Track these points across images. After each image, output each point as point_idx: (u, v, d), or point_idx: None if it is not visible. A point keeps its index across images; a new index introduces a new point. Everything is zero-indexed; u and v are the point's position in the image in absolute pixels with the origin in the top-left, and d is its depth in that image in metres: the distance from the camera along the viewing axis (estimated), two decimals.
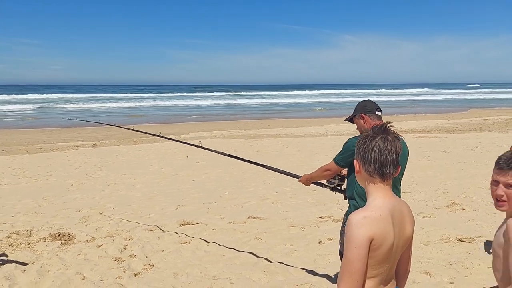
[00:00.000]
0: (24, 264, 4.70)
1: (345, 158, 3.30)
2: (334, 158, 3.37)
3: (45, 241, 5.49)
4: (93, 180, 9.39)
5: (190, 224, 6.23)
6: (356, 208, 3.26)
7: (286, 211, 6.71)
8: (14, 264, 4.68)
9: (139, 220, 6.41)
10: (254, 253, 5.10)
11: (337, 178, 3.55)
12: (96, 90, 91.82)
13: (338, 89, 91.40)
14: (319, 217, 6.35)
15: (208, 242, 5.43)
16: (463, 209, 6.62)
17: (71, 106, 40.08)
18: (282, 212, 6.67)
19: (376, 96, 60.35)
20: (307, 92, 78.48)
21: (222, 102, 48.49)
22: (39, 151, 14.13)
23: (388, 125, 1.86)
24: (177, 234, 5.76)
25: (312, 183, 3.74)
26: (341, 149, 3.35)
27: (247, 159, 4.61)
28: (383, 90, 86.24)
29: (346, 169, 3.42)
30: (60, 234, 5.71)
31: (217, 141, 15.97)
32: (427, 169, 10.11)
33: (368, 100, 3.52)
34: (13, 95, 56.20)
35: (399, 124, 21.83)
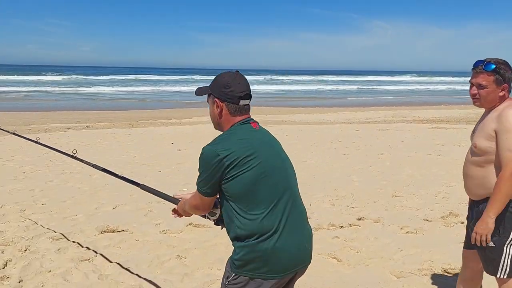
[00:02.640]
0: None
1: (209, 180, 1.98)
2: (197, 185, 2.05)
3: None
4: (52, 168, 8.21)
5: (112, 231, 4.91)
6: (240, 252, 1.98)
7: None
8: None
9: (57, 223, 5.13)
10: (165, 279, 3.75)
11: (218, 206, 2.13)
12: (122, 71, 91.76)
13: (363, 76, 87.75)
14: None
15: (111, 262, 4.09)
16: (462, 223, 5.04)
17: (87, 89, 39.27)
18: None
19: (404, 84, 57.59)
20: (333, 78, 75.63)
21: None
22: (27, 132, 13.17)
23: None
24: (82, 247, 4.44)
25: None
26: (199, 167, 2.00)
27: (120, 175, 3.19)
28: (412, 78, 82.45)
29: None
30: None
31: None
32: (432, 165, 8.47)
33: (236, 75, 2.09)
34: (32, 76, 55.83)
35: (417, 113, 20.06)
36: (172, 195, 2.53)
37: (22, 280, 3.68)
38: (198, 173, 2.00)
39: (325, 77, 75.65)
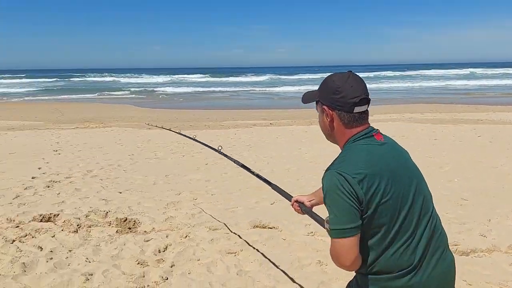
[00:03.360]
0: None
1: (346, 213, 1.54)
2: (331, 227, 1.58)
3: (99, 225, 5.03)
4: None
5: (263, 227, 4.93)
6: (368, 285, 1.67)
7: None
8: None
9: (218, 214, 5.42)
10: (299, 286, 3.56)
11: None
12: (311, 70, 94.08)
13: None
14: None
15: (253, 259, 4.07)
16: None
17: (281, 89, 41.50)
18: None
19: None
20: None
21: (438, 83, 43.16)
22: (220, 127, 14.59)
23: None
24: (232, 240, 4.55)
25: None
26: (326, 201, 1.60)
27: (256, 173, 3.00)
28: None
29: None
30: (126, 219, 5.19)
31: (395, 125, 13.77)
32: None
33: (349, 76, 1.68)
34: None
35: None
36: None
37: (174, 265, 3.96)
38: (329, 212, 1.59)
39: None
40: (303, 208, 2.17)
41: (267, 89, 40.93)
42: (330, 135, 1.77)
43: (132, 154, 9.67)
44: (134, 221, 5.16)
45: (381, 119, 15.27)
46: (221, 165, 8.38)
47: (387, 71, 75.51)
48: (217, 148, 3.63)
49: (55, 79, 62.82)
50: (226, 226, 4.95)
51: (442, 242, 1.70)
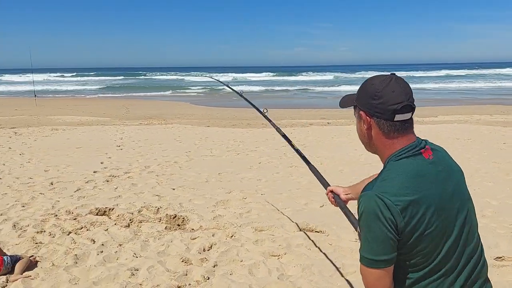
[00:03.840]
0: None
1: (381, 243, 1.39)
2: (362, 257, 1.44)
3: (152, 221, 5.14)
4: (284, 160, 8.72)
5: (310, 230, 4.80)
6: None
7: None
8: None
9: (266, 214, 5.36)
10: None
11: None
12: (376, 68, 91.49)
13: None
14: None
15: (296, 263, 3.96)
16: None
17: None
18: None
19: None
20: None
21: None
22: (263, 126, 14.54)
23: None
24: (277, 242, 4.46)
25: None
26: (362, 225, 1.44)
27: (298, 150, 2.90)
28: None
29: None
30: (176, 216, 5.28)
31: (461, 127, 13.03)
32: None
33: (391, 80, 1.50)
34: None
35: None
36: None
37: (216, 265, 3.96)
38: (362, 237, 1.44)
39: None
40: (337, 200, 2.05)
41: (328, 88, 40.35)
42: (369, 144, 1.59)
43: (189, 151, 9.87)
44: (183, 218, 5.23)
45: (446, 120, 14.51)
46: (273, 164, 8.33)
47: (457, 69, 71.66)
48: (262, 111, 3.47)
49: (122, 77, 65.97)
50: (271, 228, 4.88)
51: (482, 274, 1.53)
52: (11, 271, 3.69)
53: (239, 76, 65.12)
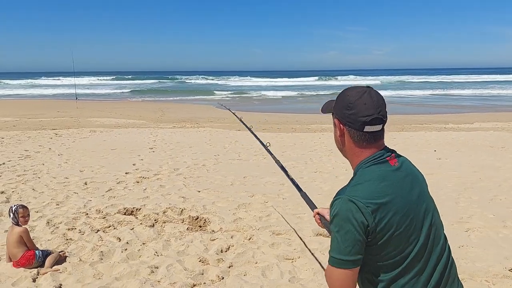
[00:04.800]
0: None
1: (350, 244, 1.47)
2: (330, 257, 1.52)
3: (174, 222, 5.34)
4: (308, 165, 8.79)
5: (327, 236, 4.88)
6: None
7: None
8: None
9: (285, 218, 5.48)
10: None
11: None
12: (412, 72, 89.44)
13: None
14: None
15: (309, 267, 4.05)
16: None
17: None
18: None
19: None
20: None
21: None
22: (292, 131, 14.61)
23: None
24: (293, 246, 4.57)
25: None
26: (333, 228, 1.51)
27: (290, 176, 2.99)
28: None
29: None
30: (198, 218, 5.47)
31: (496, 134, 12.64)
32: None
33: (365, 92, 1.58)
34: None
35: None
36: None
37: (231, 266, 4.11)
38: (332, 238, 1.51)
39: None
40: (323, 221, 2.14)
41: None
42: (342, 150, 1.69)
43: (218, 154, 10.09)
44: (205, 220, 5.42)
45: (482, 128, 14.13)
46: (298, 169, 8.41)
47: (499, 74, 69.05)
48: (265, 144, 3.57)
49: (158, 80, 67.45)
50: (289, 232, 4.98)
51: (453, 273, 1.61)
52: (42, 264, 3.98)
53: (274, 80, 65.28)
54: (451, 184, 7.18)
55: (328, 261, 1.53)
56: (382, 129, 1.59)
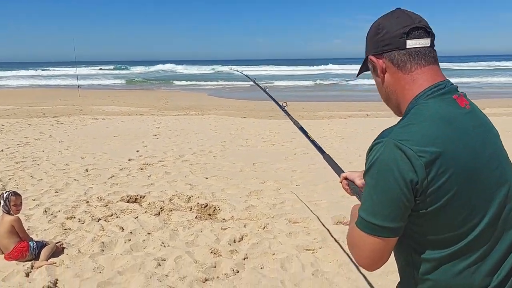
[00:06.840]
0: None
1: (391, 207, 1.04)
2: (360, 219, 1.10)
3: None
4: None
5: (347, 224, 4.45)
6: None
7: None
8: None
9: (300, 206, 5.03)
10: None
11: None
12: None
13: None
14: None
15: (332, 258, 3.62)
16: None
17: None
18: None
19: None
20: None
21: None
22: (313, 117, 14.15)
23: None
24: (312, 235, 4.13)
25: None
26: (367, 181, 1.09)
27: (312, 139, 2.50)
28: None
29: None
30: (207, 205, 5.04)
31: (507, 120, 12.18)
32: None
33: (394, 11, 1.19)
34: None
35: None
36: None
37: (247, 258, 3.68)
38: (365, 193, 1.10)
39: None
40: (352, 187, 1.62)
41: (368, 81, 39.27)
42: (388, 97, 1.24)
43: (224, 141, 9.66)
44: (215, 207, 5.00)
45: (494, 113, 13.62)
46: (309, 155, 7.97)
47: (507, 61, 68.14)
48: (281, 105, 3.10)
49: (160, 68, 66.86)
50: (306, 220, 4.56)
51: None
52: (36, 257, 3.56)
53: (279, 69, 64.58)
54: None
55: (356, 223, 1.10)
56: (432, 47, 1.16)
